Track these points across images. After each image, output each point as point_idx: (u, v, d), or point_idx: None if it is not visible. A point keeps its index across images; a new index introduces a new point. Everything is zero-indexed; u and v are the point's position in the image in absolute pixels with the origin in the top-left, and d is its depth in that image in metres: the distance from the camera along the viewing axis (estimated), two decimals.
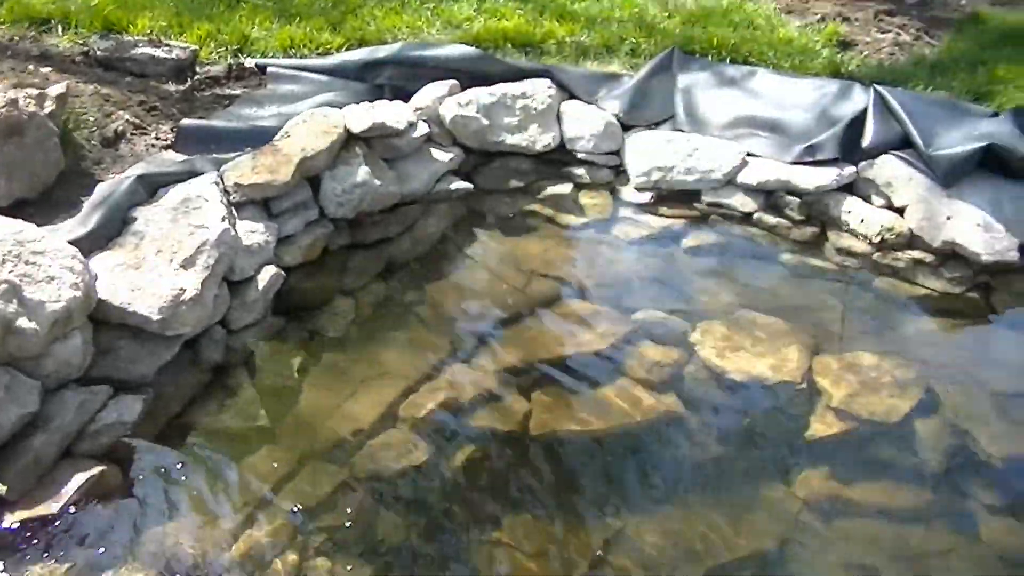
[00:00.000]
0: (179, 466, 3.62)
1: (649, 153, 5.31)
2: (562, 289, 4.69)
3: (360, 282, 4.65)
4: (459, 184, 5.27)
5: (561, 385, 4.10)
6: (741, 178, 5.18)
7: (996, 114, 5.26)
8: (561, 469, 3.76)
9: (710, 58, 6.09)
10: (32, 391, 3.48)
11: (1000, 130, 5.00)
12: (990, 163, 4.90)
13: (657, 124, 5.58)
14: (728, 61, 6.08)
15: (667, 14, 6.78)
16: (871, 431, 3.92)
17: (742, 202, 5.17)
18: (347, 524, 3.43)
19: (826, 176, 5.07)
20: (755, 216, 5.15)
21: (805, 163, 5.15)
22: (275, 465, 3.64)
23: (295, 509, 3.46)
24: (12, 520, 3.25)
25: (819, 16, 6.92)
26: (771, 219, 5.12)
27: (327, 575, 3.25)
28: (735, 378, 4.14)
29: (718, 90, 5.69)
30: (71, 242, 3.83)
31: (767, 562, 3.43)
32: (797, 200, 5.10)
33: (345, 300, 4.52)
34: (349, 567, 3.28)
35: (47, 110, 4.37)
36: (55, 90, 4.50)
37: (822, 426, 3.93)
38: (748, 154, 5.27)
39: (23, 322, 3.42)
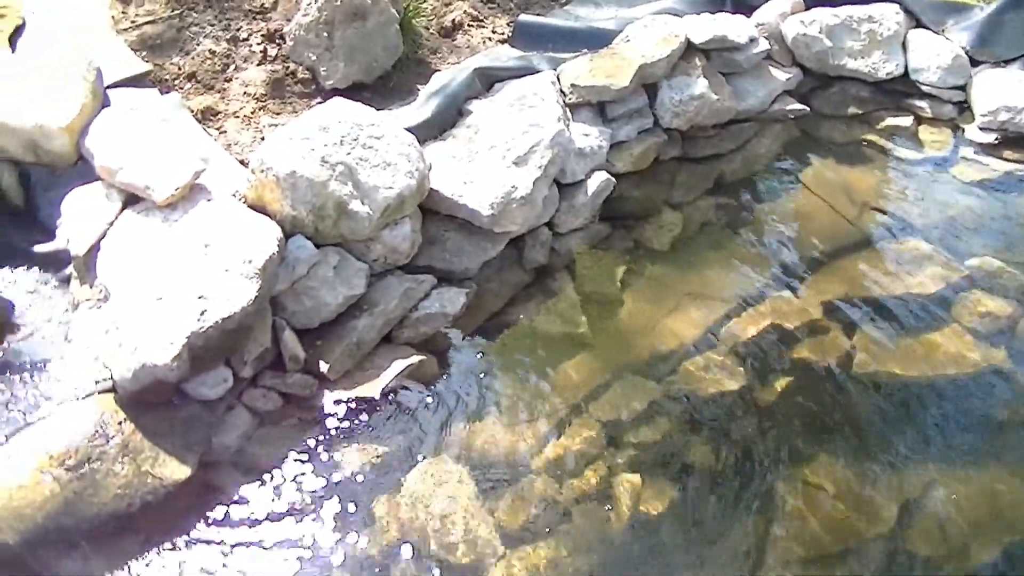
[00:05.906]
0: (494, 364, 3.68)
1: (998, 92, 5.01)
2: (894, 225, 4.51)
3: (688, 197, 4.61)
4: (795, 106, 5.13)
5: (886, 325, 3.96)
6: None
7: None
8: (878, 412, 3.64)
9: None
10: (359, 274, 3.60)
11: None
12: None
13: (1008, 62, 5.26)
14: None
15: None
16: None
17: None
18: (656, 443, 3.42)
19: None
20: None
21: None
22: (590, 374, 3.65)
23: (606, 421, 3.47)
24: (331, 399, 3.39)
25: None
26: None
27: (633, 492, 3.25)
28: None
29: None
30: (407, 129, 3.89)
31: None
32: None
33: (672, 213, 4.49)
34: (654, 487, 3.28)
35: None
36: None
37: None
38: None
39: (356, 205, 3.52)
